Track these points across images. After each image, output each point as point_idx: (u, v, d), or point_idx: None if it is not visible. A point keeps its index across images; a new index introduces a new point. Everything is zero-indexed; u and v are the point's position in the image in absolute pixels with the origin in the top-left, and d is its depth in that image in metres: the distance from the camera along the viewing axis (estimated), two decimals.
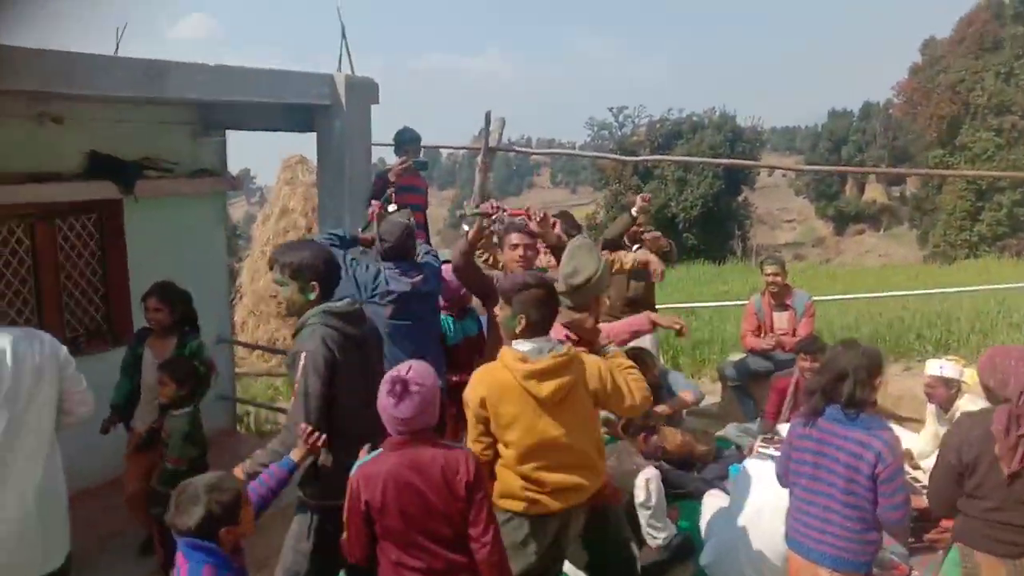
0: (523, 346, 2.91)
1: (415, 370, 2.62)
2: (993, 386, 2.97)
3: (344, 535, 2.72)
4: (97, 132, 5.08)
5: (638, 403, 3.09)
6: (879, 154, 51.10)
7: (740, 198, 38.51)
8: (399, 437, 2.62)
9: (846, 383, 2.97)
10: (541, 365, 2.86)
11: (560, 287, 3.12)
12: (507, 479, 2.97)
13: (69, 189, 4.91)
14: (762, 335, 5.87)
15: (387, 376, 2.62)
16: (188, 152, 5.79)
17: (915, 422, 5.26)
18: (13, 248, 4.82)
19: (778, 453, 3.51)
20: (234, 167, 6.28)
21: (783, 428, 4.45)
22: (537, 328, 2.93)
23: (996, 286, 12.20)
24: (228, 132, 6.18)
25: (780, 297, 5.85)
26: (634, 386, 3.07)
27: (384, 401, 2.58)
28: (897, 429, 3.78)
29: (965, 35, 35.00)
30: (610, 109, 43.44)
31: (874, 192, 54.69)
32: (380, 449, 2.68)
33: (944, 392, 4.44)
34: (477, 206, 4.42)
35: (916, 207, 43.05)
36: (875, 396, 3.04)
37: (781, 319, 5.84)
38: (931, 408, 4.73)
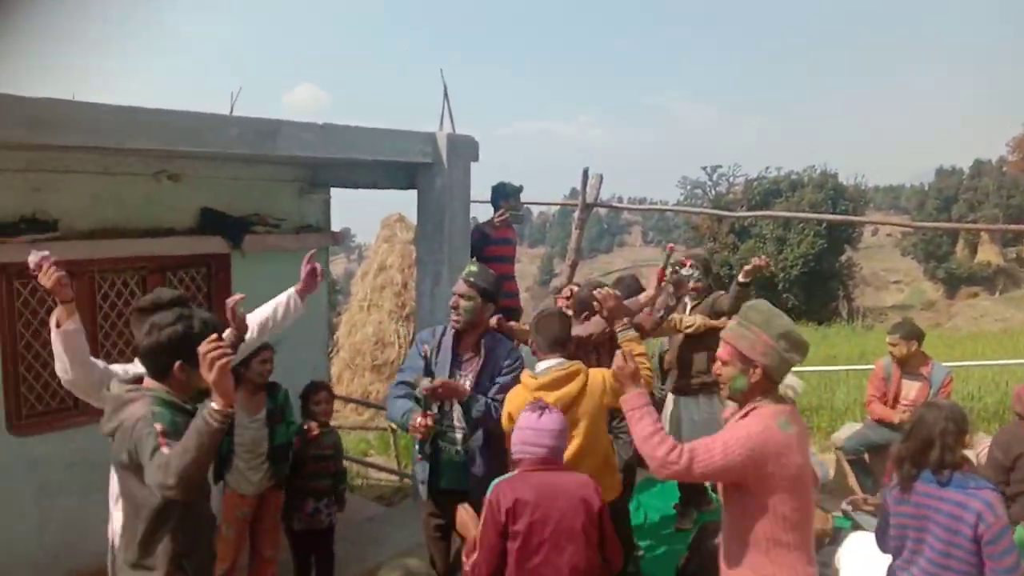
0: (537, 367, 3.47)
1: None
2: (1019, 411, 3.94)
3: (470, 556, 2.81)
4: (210, 189, 5.27)
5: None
6: (993, 213, 48.46)
7: (843, 258, 36.89)
8: (536, 459, 2.80)
9: (934, 449, 2.91)
10: (545, 379, 3.38)
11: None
12: None
13: (181, 244, 5.09)
14: (888, 403, 5.38)
15: (528, 404, 3.00)
16: (295, 209, 5.92)
17: None
18: (127, 299, 4.98)
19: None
20: (336, 225, 6.40)
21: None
22: (546, 349, 3.48)
23: None
24: (333, 190, 6.30)
25: (914, 365, 5.31)
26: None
27: (527, 419, 2.86)
28: None
29: None
30: (704, 168, 42.94)
31: (988, 253, 51.79)
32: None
33: None
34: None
35: None
36: (962, 455, 2.96)
37: (911, 388, 5.29)
38: None
